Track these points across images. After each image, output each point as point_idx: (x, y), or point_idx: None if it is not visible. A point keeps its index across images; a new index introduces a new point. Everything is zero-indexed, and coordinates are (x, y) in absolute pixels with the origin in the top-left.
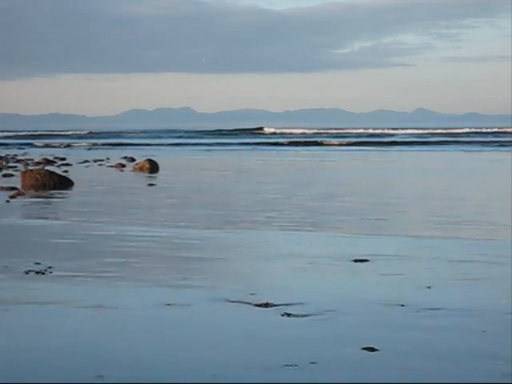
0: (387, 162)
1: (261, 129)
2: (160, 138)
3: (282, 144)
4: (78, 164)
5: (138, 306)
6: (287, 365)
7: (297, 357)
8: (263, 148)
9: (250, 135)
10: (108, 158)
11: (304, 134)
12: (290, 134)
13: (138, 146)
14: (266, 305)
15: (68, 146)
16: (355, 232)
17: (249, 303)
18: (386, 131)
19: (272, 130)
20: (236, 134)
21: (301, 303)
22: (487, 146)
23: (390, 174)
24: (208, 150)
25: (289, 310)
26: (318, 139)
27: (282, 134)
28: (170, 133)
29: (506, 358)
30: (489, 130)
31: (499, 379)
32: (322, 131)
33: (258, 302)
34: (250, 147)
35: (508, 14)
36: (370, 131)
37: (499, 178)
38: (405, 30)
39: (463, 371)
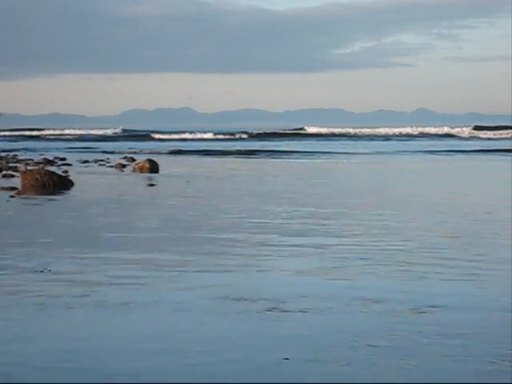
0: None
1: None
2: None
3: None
4: (79, 164)
5: (139, 304)
6: (287, 362)
7: (297, 354)
8: None
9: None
10: (108, 158)
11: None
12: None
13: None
14: (267, 302)
15: None
16: (357, 233)
17: (248, 301)
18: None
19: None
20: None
21: (301, 301)
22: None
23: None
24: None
25: (290, 308)
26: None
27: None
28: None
29: (506, 356)
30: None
31: (498, 379)
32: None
33: (259, 301)
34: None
35: (508, 14)
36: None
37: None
38: (405, 30)
39: (463, 370)
